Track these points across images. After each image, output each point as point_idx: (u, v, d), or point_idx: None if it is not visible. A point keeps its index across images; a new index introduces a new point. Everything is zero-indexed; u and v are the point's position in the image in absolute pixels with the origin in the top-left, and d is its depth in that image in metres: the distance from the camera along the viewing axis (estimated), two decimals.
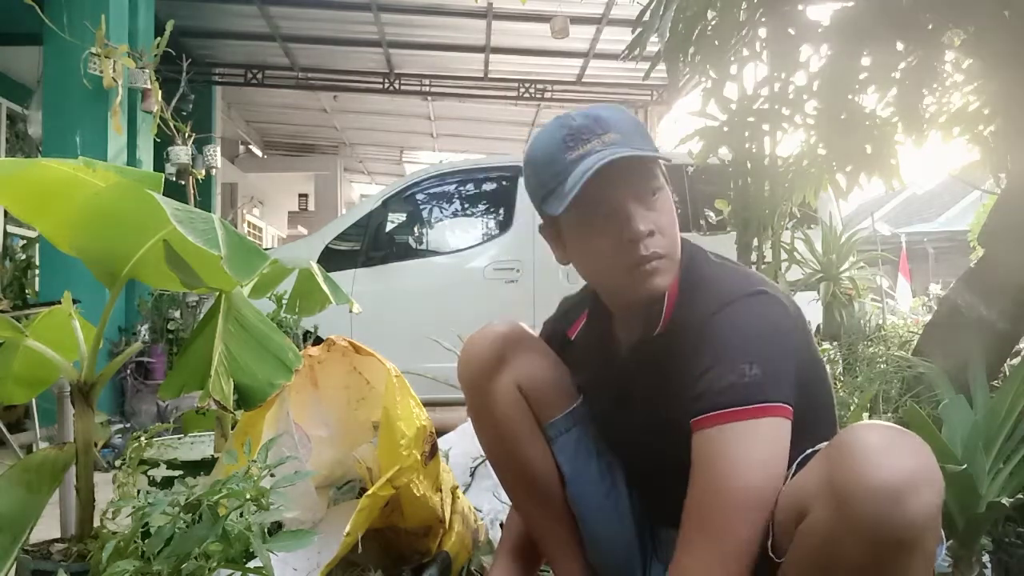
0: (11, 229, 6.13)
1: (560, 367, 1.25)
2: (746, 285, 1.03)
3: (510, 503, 1.34)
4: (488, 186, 5.18)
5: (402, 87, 8.59)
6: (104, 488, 1.52)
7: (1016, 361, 2.46)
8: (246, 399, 1.50)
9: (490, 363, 1.20)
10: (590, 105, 1.09)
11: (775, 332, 0.99)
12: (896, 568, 0.82)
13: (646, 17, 2.54)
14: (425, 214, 5.18)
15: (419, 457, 1.42)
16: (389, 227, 4.97)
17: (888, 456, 0.80)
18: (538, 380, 1.21)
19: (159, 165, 5.09)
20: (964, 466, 1.39)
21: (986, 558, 1.52)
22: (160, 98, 4.91)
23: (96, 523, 1.46)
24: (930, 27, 2.27)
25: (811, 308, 4.25)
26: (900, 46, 2.35)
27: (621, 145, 0.99)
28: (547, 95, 8.59)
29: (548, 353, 1.25)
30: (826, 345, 3.53)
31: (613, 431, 1.22)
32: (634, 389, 1.14)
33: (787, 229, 3.37)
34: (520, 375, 1.20)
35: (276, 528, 1.42)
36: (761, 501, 0.91)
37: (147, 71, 4.84)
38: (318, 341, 3.47)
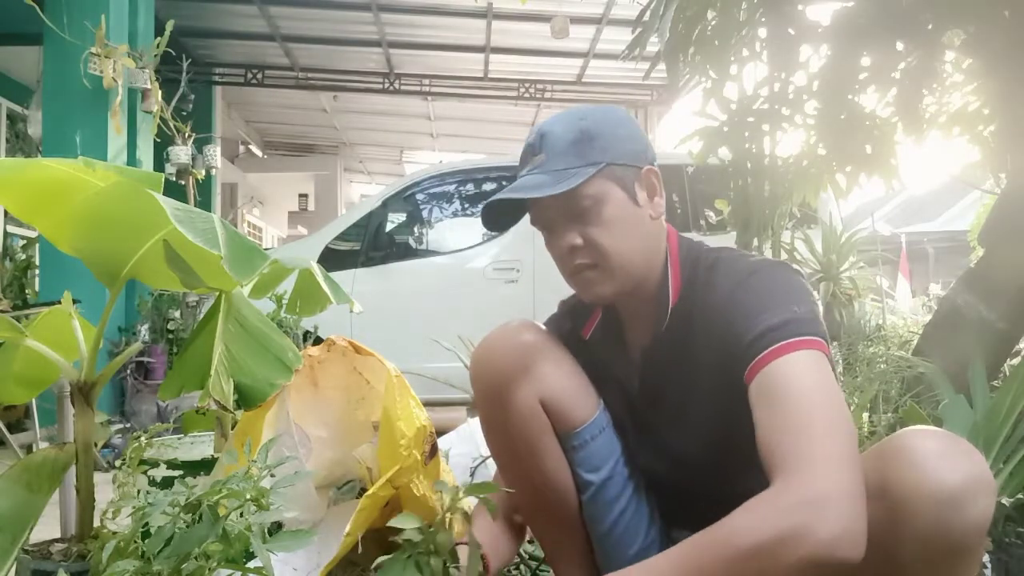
0: (11, 229, 6.13)
1: (581, 372, 1.19)
2: (766, 259, 1.06)
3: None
4: (488, 186, 5.18)
5: (402, 87, 8.59)
6: (104, 488, 1.52)
7: (1016, 361, 2.46)
8: (246, 399, 1.50)
9: (511, 375, 1.12)
10: (560, 112, 1.11)
11: (808, 290, 1.00)
12: (948, 571, 0.82)
13: (646, 17, 2.54)
14: (425, 214, 5.18)
15: (419, 457, 1.42)
16: (389, 227, 4.98)
17: (948, 462, 0.80)
18: (562, 390, 1.14)
19: (159, 165, 5.09)
20: None
21: (986, 558, 1.52)
22: (160, 98, 4.91)
23: (96, 523, 1.45)
24: (930, 27, 2.27)
25: None
26: (900, 46, 2.35)
27: (543, 169, 1.05)
28: (547, 95, 8.59)
29: (569, 358, 1.19)
30: None
31: (631, 432, 1.19)
32: (651, 388, 1.12)
33: (787, 229, 3.37)
34: (543, 387, 1.13)
35: (276, 528, 1.42)
36: (851, 425, 0.85)
37: (147, 71, 4.84)
38: (318, 341, 3.47)
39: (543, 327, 1.21)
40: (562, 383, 1.15)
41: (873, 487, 0.82)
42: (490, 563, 1.13)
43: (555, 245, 1.08)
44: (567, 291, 1.32)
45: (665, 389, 1.11)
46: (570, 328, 1.24)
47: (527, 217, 1.11)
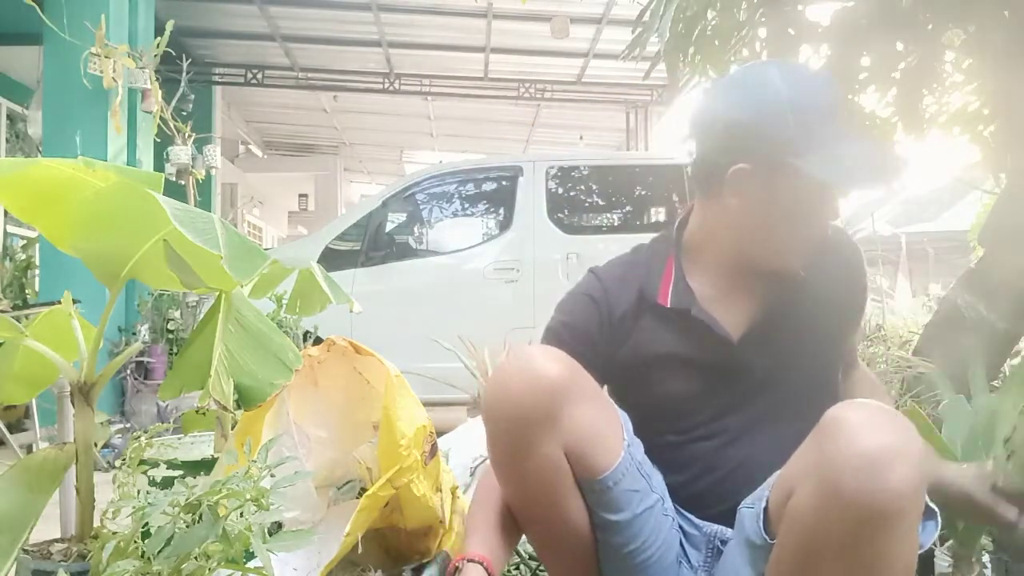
0: (11, 229, 6.14)
1: (609, 408, 1.12)
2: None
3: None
4: (488, 186, 5.18)
5: (402, 87, 8.60)
6: (104, 488, 1.52)
7: (1016, 361, 2.46)
8: (246, 399, 1.51)
9: (534, 423, 1.00)
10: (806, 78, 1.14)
11: None
12: (877, 542, 0.83)
13: (646, 17, 2.54)
14: (425, 214, 5.18)
15: (419, 457, 1.42)
16: (389, 227, 4.98)
17: (866, 431, 0.83)
18: (588, 435, 1.04)
19: (159, 165, 5.09)
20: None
21: (986, 558, 1.52)
22: (160, 98, 4.91)
23: (96, 523, 1.45)
24: (930, 27, 2.27)
25: None
26: (900, 46, 2.35)
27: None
28: (547, 95, 8.60)
29: (596, 392, 1.11)
30: None
31: (712, 401, 1.17)
32: (760, 335, 1.17)
33: None
34: (569, 435, 1.02)
35: (276, 528, 1.42)
36: None
37: (147, 71, 4.84)
38: (318, 341, 3.47)
39: (568, 358, 1.07)
40: (589, 427, 1.05)
41: (807, 462, 0.89)
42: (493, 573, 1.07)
43: (834, 210, 1.15)
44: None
45: (779, 332, 1.18)
46: (637, 297, 1.19)
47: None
